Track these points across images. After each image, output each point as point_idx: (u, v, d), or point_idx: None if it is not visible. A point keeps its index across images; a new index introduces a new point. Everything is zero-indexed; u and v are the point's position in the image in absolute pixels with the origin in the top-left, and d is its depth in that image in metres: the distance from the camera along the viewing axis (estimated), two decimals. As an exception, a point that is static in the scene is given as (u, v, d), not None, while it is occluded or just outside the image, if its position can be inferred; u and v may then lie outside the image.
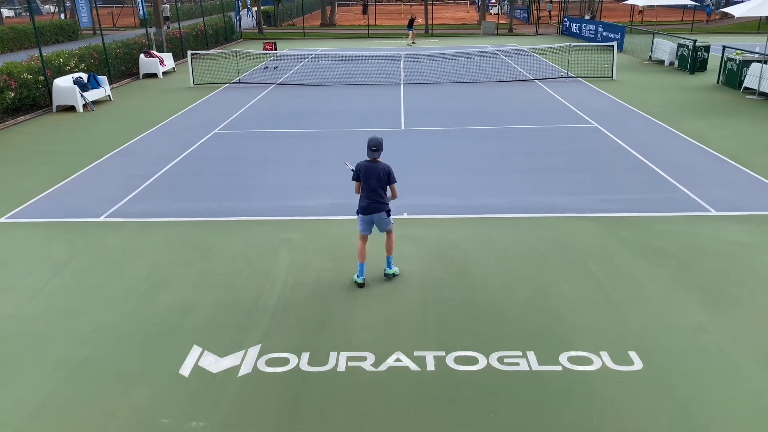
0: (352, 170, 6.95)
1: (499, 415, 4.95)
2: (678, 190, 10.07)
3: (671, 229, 8.53)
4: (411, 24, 35.73)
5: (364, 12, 55.57)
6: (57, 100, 17.40)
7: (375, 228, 7.08)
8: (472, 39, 38.00)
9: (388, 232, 7.11)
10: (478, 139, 13.53)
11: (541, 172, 11.12)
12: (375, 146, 6.80)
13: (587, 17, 39.53)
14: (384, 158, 12.00)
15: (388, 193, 6.94)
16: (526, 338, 5.97)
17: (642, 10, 38.04)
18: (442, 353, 5.76)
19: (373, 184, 6.79)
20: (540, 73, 22.89)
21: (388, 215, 6.97)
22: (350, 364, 5.64)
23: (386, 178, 6.79)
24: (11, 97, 16.12)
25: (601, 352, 5.72)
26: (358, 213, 6.97)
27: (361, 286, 7.01)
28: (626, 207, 9.34)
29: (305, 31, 42.53)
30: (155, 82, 22.99)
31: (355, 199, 9.85)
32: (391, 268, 7.21)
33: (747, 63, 18.48)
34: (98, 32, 35.18)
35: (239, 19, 39.95)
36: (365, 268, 7.07)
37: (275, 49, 26.69)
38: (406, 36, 36.42)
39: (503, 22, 47.01)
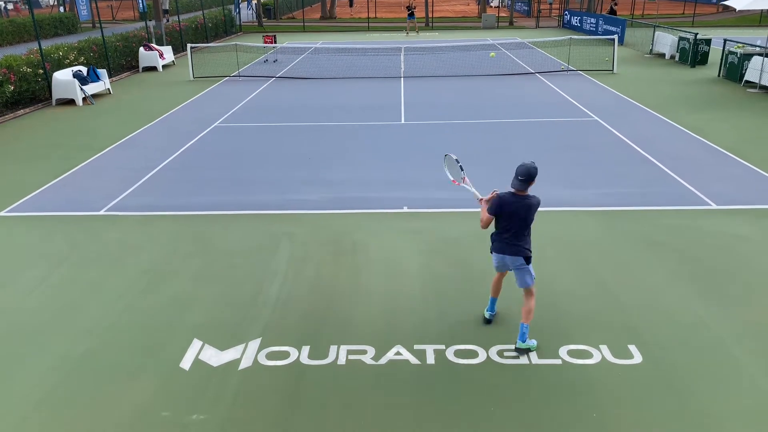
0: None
1: (498, 408, 4.96)
2: (678, 183, 10.06)
3: (671, 222, 8.53)
4: (411, 13, 35.78)
5: (351, 4, 55.56)
6: (56, 93, 17.37)
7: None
8: (473, 32, 37.88)
9: (527, 291, 5.71)
10: (478, 133, 13.51)
11: (541, 165, 10.99)
12: (523, 175, 5.42)
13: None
14: (384, 153, 12.15)
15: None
16: (526, 332, 5.97)
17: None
18: (442, 347, 5.77)
19: (516, 223, 5.47)
20: (540, 66, 22.84)
21: (528, 262, 5.58)
22: (350, 357, 5.65)
23: (533, 215, 5.50)
24: (11, 91, 16.09)
25: (600, 346, 5.73)
26: (492, 251, 5.78)
27: (488, 322, 6.09)
28: (626, 200, 9.33)
29: (305, 24, 42.39)
30: (155, 75, 22.94)
31: (355, 192, 9.93)
32: (525, 341, 5.64)
33: (748, 56, 18.43)
34: (97, 25, 35.06)
35: (239, 12, 39.79)
36: (496, 306, 6.21)
37: (275, 42, 26.61)
38: (412, 28, 36.41)
39: (504, 15, 46.86)
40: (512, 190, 5.49)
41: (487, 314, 6.15)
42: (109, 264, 7.59)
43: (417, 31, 36.08)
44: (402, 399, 5.10)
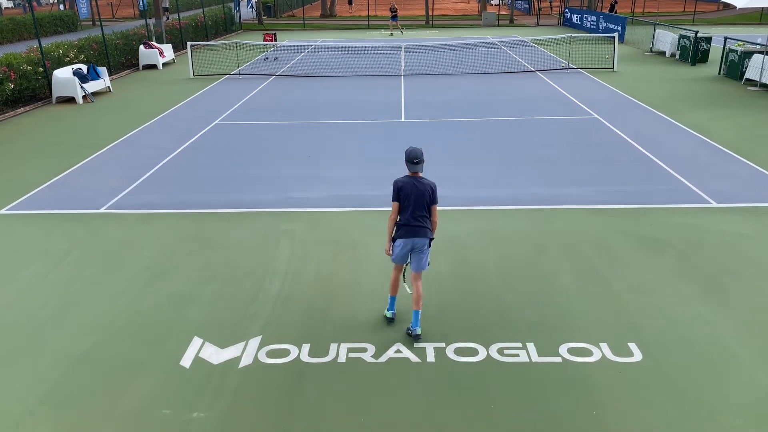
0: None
1: (498, 406, 4.97)
2: (679, 181, 10.06)
3: (672, 220, 8.53)
4: (394, 15, 36.20)
5: (350, 3, 55.61)
6: (57, 91, 17.36)
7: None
8: (473, 30, 37.85)
9: (419, 276, 5.94)
10: (479, 131, 13.50)
11: (541, 163, 11.11)
12: (417, 158, 5.71)
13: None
14: (385, 150, 12.14)
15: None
16: (526, 330, 5.98)
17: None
18: (442, 344, 5.77)
19: (419, 204, 5.72)
20: (541, 64, 22.82)
21: (430, 245, 5.87)
22: (350, 355, 5.65)
23: (432, 196, 5.76)
24: (11, 89, 16.08)
25: (600, 344, 5.73)
26: (394, 240, 5.88)
27: (390, 320, 6.16)
28: (627, 198, 9.33)
29: (305, 22, 42.37)
30: (155, 73, 22.93)
31: (355, 190, 9.92)
32: (417, 326, 5.88)
33: (748, 54, 18.42)
34: (97, 23, 35.06)
35: (239, 10, 39.79)
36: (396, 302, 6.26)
37: (275, 40, 26.60)
38: (395, 27, 36.65)
39: (504, 13, 46.84)
40: (409, 174, 5.79)
41: (389, 314, 6.16)
42: (109, 262, 7.59)
43: (392, 32, 36.38)
44: (402, 397, 5.10)
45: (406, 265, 6.02)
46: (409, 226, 5.75)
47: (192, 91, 18.97)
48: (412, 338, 5.86)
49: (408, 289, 6.08)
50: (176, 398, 5.11)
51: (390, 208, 5.93)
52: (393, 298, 6.20)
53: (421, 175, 5.81)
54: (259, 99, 17.51)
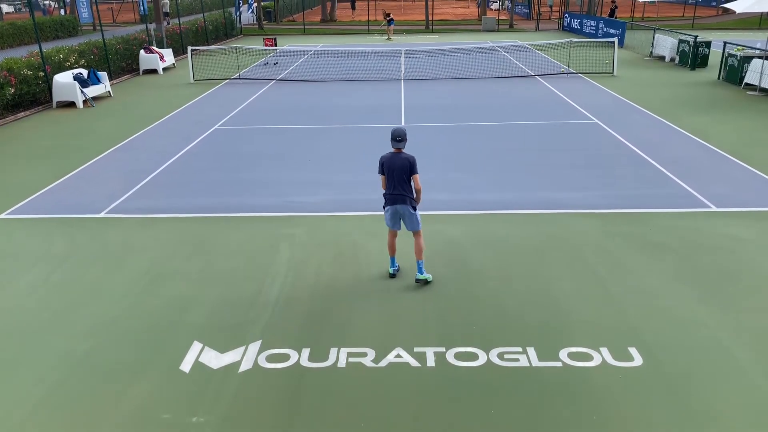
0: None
1: (499, 411, 4.96)
2: (678, 185, 10.06)
3: (671, 224, 8.53)
4: (390, 20, 36.60)
5: (353, 8, 55.80)
6: (57, 96, 17.39)
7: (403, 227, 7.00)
8: (473, 35, 37.94)
9: (416, 234, 6.91)
10: (478, 135, 13.52)
11: (540, 167, 11.12)
12: (399, 136, 6.66)
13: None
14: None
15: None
16: (526, 334, 5.98)
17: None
18: (443, 349, 5.77)
19: (396, 176, 6.67)
20: (540, 68, 22.86)
21: (414, 210, 6.80)
22: (350, 359, 5.65)
23: (409, 168, 6.64)
24: (11, 93, 16.11)
25: (601, 348, 5.73)
26: (384, 207, 6.90)
27: (392, 276, 7.10)
28: (626, 203, 9.34)
29: (305, 26, 42.44)
30: (155, 78, 22.96)
31: (355, 194, 9.93)
32: (422, 273, 6.90)
33: (748, 59, 18.45)
34: (98, 28, 35.11)
35: (239, 15, 39.87)
36: (396, 261, 7.20)
37: (275, 45, 26.64)
38: (390, 31, 36.83)
39: (504, 17, 46.94)
40: (392, 150, 6.73)
41: (391, 270, 7.15)
42: (109, 265, 7.59)
43: (389, 36, 36.60)
44: (402, 402, 5.09)
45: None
46: (390, 195, 6.77)
47: (192, 95, 19.00)
48: (418, 284, 6.89)
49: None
50: (176, 402, 5.11)
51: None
52: (392, 258, 7.16)
53: (403, 151, 6.72)
54: (259, 103, 17.53)
